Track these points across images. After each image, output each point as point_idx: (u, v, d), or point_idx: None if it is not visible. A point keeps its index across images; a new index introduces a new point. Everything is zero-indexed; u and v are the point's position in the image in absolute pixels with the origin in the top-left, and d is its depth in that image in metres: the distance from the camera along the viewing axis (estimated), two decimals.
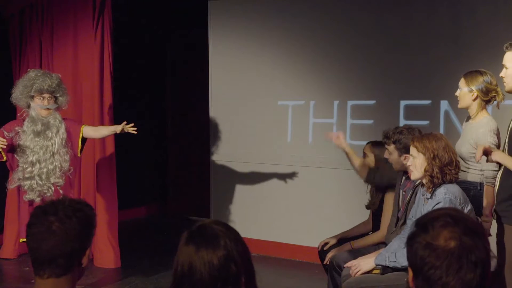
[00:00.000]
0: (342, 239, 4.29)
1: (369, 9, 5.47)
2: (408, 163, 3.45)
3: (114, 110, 5.76)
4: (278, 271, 5.59)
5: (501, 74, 3.46)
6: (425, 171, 3.34)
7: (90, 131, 5.02)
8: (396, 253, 3.45)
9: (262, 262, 5.71)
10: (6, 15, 6.16)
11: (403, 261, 3.38)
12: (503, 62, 3.41)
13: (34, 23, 6.00)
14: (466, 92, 3.82)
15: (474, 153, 3.62)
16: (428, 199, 3.40)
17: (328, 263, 4.06)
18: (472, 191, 3.77)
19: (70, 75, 5.75)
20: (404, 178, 4.00)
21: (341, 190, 5.66)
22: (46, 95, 4.80)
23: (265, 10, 5.99)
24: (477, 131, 3.74)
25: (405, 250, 3.44)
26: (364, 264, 3.54)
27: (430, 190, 3.37)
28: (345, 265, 3.75)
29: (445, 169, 3.31)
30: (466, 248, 1.51)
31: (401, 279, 3.41)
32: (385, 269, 3.47)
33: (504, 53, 3.43)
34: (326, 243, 4.28)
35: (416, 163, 3.38)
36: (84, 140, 5.03)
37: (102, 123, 5.63)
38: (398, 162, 3.86)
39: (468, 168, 3.84)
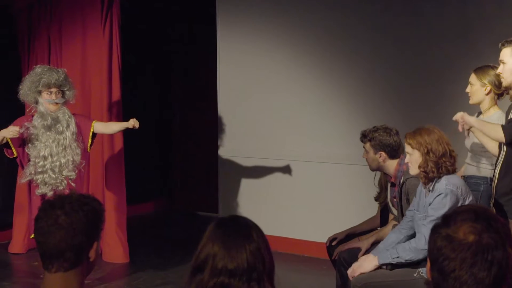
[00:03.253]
0: (350, 235, 4.27)
1: (378, 5, 5.44)
2: (406, 160, 3.48)
3: (122, 105, 5.77)
4: (286, 266, 5.58)
5: (499, 71, 3.46)
6: (419, 166, 3.36)
7: (100, 127, 5.07)
8: (397, 248, 3.44)
9: None
10: (14, 11, 6.17)
11: (405, 255, 3.38)
12: (500, 58, 3.43)
13: (43, 18, 6.01)
14: (478, 87, 3.80)
15: (485, 148, 3.62)
16: (429, 191, 3.40)
17: (336, 258, 4.05)
18: (483, 185, 3.76)
19: (79, 70, 5.76)
20: (389, 186, 4.03)
21: (349, 185, 5.64)
22: (54, 89, 4.82)
23: (275, 4, 5.96)
24: None
25: (405, 244, 3.45)
26: (367, 265, 3.52)
27: (426, 185, 3.39)
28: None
29: (440, 161, 3.32)
30: (484, 246, 1.50)
31: (410, 274, 3.40)
32: (393, 266, 3.45)
33: (500, 50, 3.43)
34: (334, 238, 4.26)
35: (412, 160, 3.40)
36: (94, 135, 5.09)
37: (110, 118, 5.64)
38: (374, 160, 3.96)
39: (479, 162, 3.82)
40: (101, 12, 5.64)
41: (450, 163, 3.34)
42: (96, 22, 5.68)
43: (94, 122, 5.09)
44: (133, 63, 7.11)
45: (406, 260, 3.38)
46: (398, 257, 3.40)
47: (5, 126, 4.82)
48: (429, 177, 3.35)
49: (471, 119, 3.36)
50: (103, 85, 5.67)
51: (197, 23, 7.56)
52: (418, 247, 3.34)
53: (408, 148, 3.42)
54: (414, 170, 3.42)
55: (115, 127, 5.14)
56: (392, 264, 3.43)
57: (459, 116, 3.43)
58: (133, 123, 4.88)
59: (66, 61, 5.82)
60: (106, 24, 5.63)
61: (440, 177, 3.35)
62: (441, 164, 3.32)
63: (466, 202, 3.34)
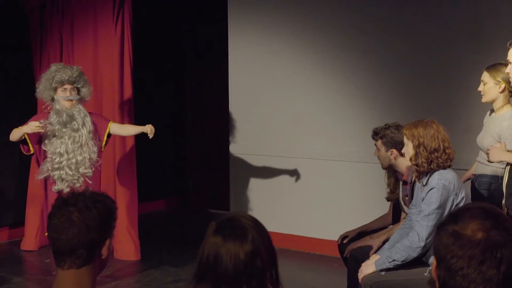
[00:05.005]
0: (362, 233, 4.27)
1: (391, 4, 5.42)
2: (403, 151, 3.50)
3: (134, 103, 5.79)
4: (297, 264, 5.58)
5: (507, 70, 3.42)
6: (410, 159, 3.38)
7: (116, 128, 5.12)
8: (392, 251, 3.41)
9: (281, 255, 5.62)
10: (26, 9, 6.20)
11: (399, 256, 3.35)
12: (508, 58, 3.37)
13: (55, 17, 6.03)
14: (492, 85, 3.76)
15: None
16: (424, 185, 3.40)
17: (347, 256, 4.05)
18: (493, 184, 3.73)
19: (91, 68, 5.77)
20: (401, 184, 4.01)
21: (360, 183, 5.63)
22: (68, 86, 4.86)
23: (286, 3, 5.96)
24: (501, 124, 3.68)
25: (399, 244, 3.42)
26: (367, 270, 3.50)
27: (419, 179, 3.41)
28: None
29: (432, 156, 3.32)
30: (493, 243, 1.46)
31: (421, 273, 3.38)
32: (391, 268, 3.43)
33: (508, 49, 3.39)
34: (346, 236, 4.26)
35: (406, 151, 3.43)
36: (109, 135, 5.15)
37: (121, 116, 5.66)
38: (385, 157, 3.97)
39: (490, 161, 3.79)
40: (112, 11, 5.65)
41: (443, 160, 3.33)
42: (108, 21, 5.70)
43: (110, 123, 5.12)
44: (145, 61, 7.12)
45: (402, 261, 3.35)
46: (393, 260, 3.37)
47: (18, 125, 4.85)
48: (420, 171, 3.36)
49: (501, 157, 3.29)
50: (114, 83, 5.69)
51: (209, 22, 7.57)
52: (412, 245, 3.31)
53: (404, 139, 3.44)
54: (407, 162, 3.46)
55: (131, 130, 5.20)
56: (390, 268, 3.40)
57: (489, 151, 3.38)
58: (150, 129, 4.89)
59: (78, 60, 5.84)
60: (118, 23, 5.65)
61: (433, 172, 3.34)
62: (432, 159, 3.32)
63: (459, 197, 3.33)
